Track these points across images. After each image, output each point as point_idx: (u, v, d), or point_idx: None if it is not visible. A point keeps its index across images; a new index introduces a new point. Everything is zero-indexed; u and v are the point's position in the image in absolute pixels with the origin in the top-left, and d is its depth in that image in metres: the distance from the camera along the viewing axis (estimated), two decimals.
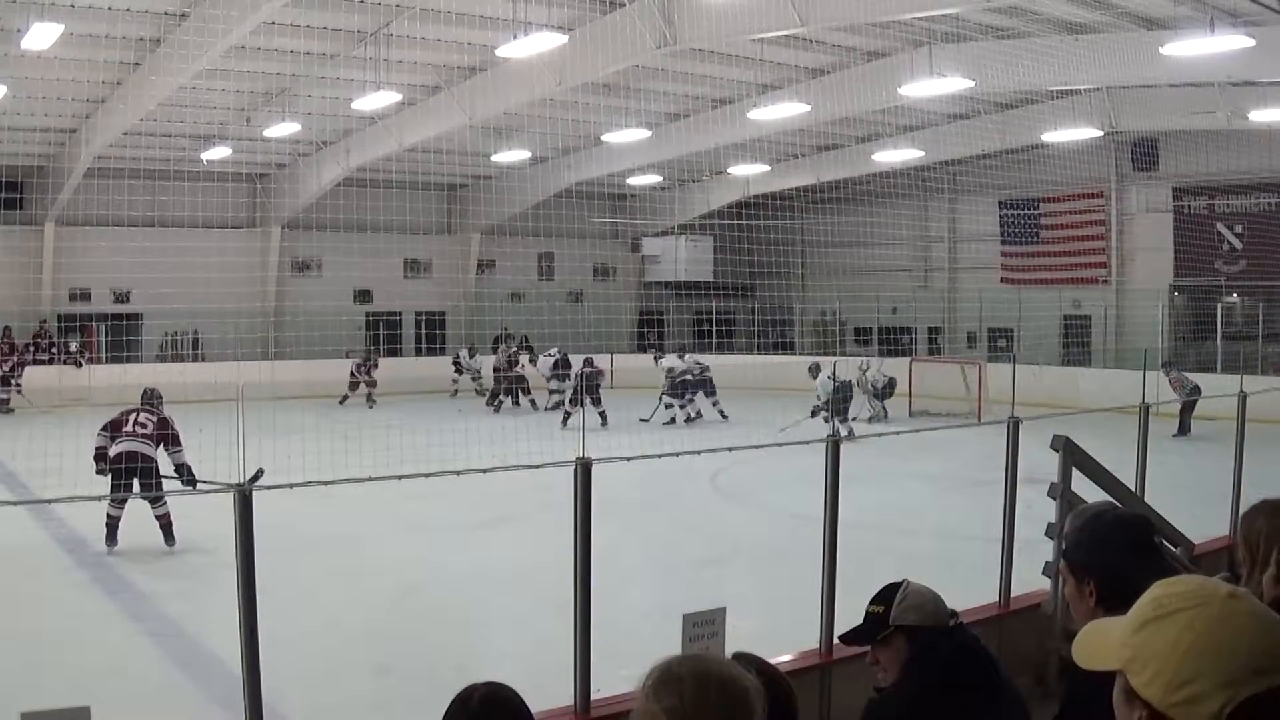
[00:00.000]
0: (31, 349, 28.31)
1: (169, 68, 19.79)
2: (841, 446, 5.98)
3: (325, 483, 5.38)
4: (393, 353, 31.49)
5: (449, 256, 35.96)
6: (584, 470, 4.97)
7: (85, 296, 30.29)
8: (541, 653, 5.65)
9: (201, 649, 8.58)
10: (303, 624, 8.45)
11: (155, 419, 12.22)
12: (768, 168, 32.37)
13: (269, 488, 4.51)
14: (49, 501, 13.10)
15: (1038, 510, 6.93)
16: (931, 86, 20.98)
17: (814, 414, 21.07)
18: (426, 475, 5.62)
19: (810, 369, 22.19)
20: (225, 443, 6.56)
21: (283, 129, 25.32)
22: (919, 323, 34.92)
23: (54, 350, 28.53)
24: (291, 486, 5.07)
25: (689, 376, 24.61)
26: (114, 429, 12.11)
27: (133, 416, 12.24)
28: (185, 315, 29.69)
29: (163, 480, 11.95)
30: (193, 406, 15.76)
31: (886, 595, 3.49)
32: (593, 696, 5.01)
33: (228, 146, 27.60)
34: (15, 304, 28.51)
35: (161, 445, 12.08)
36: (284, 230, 32.47)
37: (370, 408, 27.44)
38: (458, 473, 5.56)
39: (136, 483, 11.71)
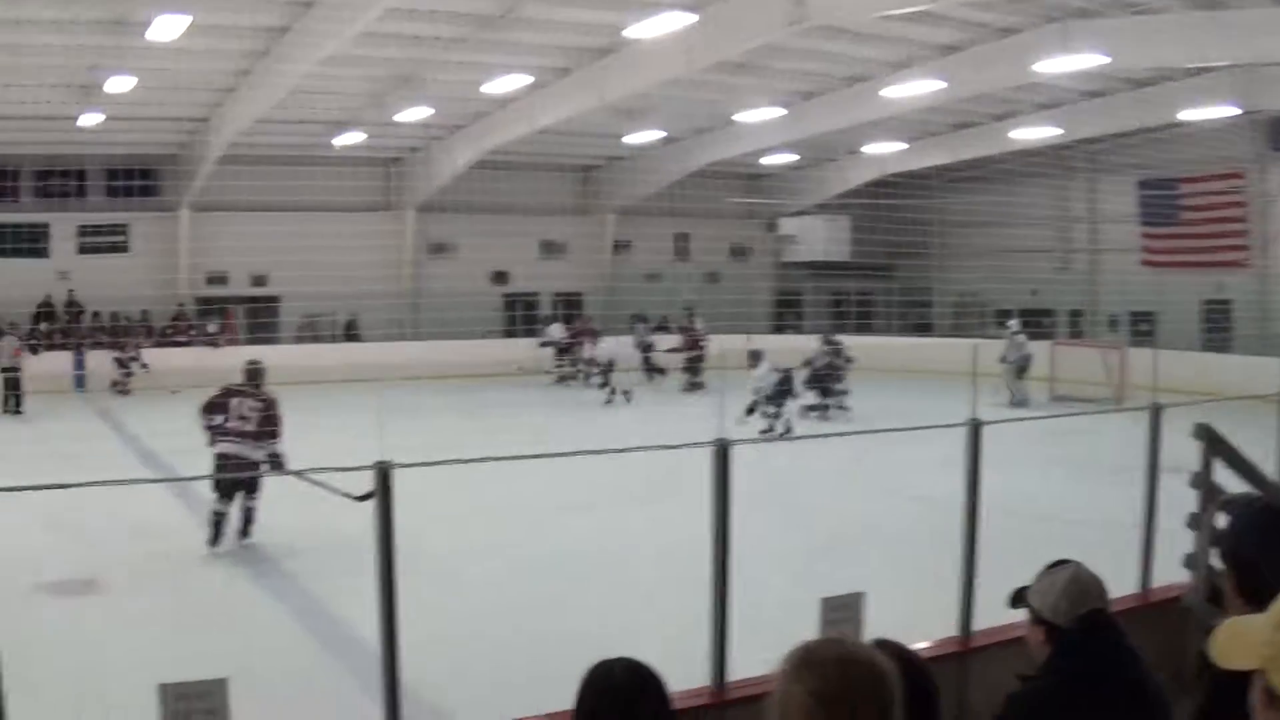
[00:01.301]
0: (169, 331, 29.20)
1: (297, 55, 20.18)
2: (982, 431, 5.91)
3: (464, 460, 5.45)
4: (530, 333, 31.60)
5: (584, 237, 36.17)
6: (721, 452, 5.00)
7: (222, 280, 31.02)
8: (676, 633, 5.69)
9: (340, 624, 8.84)
10: (441, 601, 8.55)
11: (261, 406, 11.44)
12: (905, 145, 31.80)
13: (409, 466, 4.59)
14: (190, 480, 13.47)
15: (1179, 500, 6.77)
16: (1065, 63, 20.48)
17: (750, 412, 19.11)
18: (567, 455, 5.69)
19: (749, 356, 19.49)
20: (363, 425, 6.73)
21: (414, 113, 25.68)
22: (1060, 305, 34.07)
23: (192, 332, 29.35)
24: (431, 465, 5.15)
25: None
26: (215, 411, 11.37)
27: (236, 403, 11.40)
28: (323, 297, 30.40)
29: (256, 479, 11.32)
30: (333, 387, 16.06)
31: (1045, 569, 3.50)
32: (727, 678, 5.05)
33: (360, 131, 28.12)
34: (153, 288, 29.35)
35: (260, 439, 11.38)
36: (418, 213, 32.99)
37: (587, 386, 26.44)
38: (595, 452, 5.65)
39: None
